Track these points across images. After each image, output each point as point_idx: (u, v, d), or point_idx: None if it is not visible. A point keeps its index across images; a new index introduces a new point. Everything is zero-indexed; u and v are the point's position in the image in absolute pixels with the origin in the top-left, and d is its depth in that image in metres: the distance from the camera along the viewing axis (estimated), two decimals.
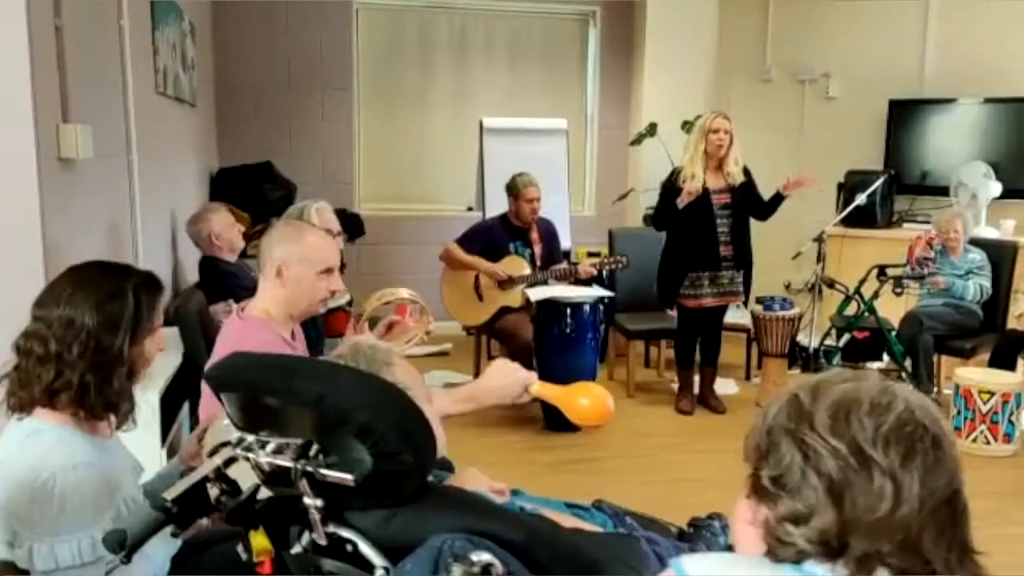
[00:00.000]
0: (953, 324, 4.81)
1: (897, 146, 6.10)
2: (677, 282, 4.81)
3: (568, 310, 4.44)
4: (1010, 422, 4.22)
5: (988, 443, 4.21)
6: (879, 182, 5.53)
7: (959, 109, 5.92)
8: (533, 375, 1.80)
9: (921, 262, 4.88)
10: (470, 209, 6.65)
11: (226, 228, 4.07)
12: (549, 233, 5.13)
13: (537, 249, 5.02)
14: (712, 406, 4.91)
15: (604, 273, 5.03)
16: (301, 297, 2.27)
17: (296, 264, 2.25)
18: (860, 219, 5.65)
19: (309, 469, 1.16)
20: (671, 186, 4.83)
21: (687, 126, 6.32)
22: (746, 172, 4.80)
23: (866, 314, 4.85)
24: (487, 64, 6.78)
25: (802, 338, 5.05)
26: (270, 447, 1.22)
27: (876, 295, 4.85)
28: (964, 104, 5.89)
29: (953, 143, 5.89)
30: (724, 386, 5.23)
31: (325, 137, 6.45)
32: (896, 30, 6.19)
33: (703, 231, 4.71)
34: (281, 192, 5.87)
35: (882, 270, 4.98)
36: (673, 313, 5.30)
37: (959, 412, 4.29)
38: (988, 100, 5.78)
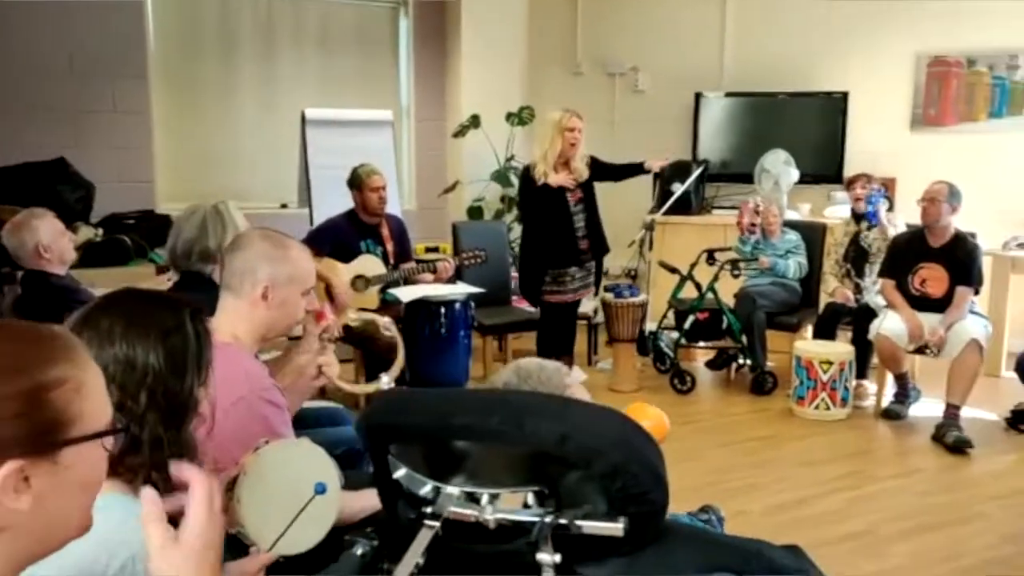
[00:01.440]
0: (780, 301, 5.23)
1: (703, 136, 6.51)
2: (539, 278, 4.88)
3: (441, 309, 4.30)
4: (845, 388, 4.65)
5: (828, 408, 4.61)
6: (697, 172, 5.88)
7: (758, 101, 6.42)
8: None
9: (750, 228, 5.22)
10: (284, 206, 6.27)
11: (56, 237, 3.51)
12: (399, 230, 4.93)
13: (389, 247, 4.81)
14: None
15: (461, 269, 4.92)
16: (283, 319, 2.03)
17: (285, 284, 2.00)
18: (677, 206, 5.95)
19: (563, 522, 1.00)
20: (528, 182, 4.87)
21: (512, 118, 6.36)
22: (592, 161, 4.92)
23: (708, 295, 5.12)
24: (297, 52, 6.39)
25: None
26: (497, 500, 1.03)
27: (716, 278, 5.15)
28: (762, 97, 6.39)
29: (754, 133, 6.39)
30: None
31: (120, 131, 5.76)
32: (697, 26, 6.60)
33: (561, 228, 4.80)
34: (80, 193, 5.19)
35: (711, 254, 5.29)
36: (522, 305, 5.33)
37: (801, 382, 4.66)
38: (784, 93, 6.32)
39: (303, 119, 5.66)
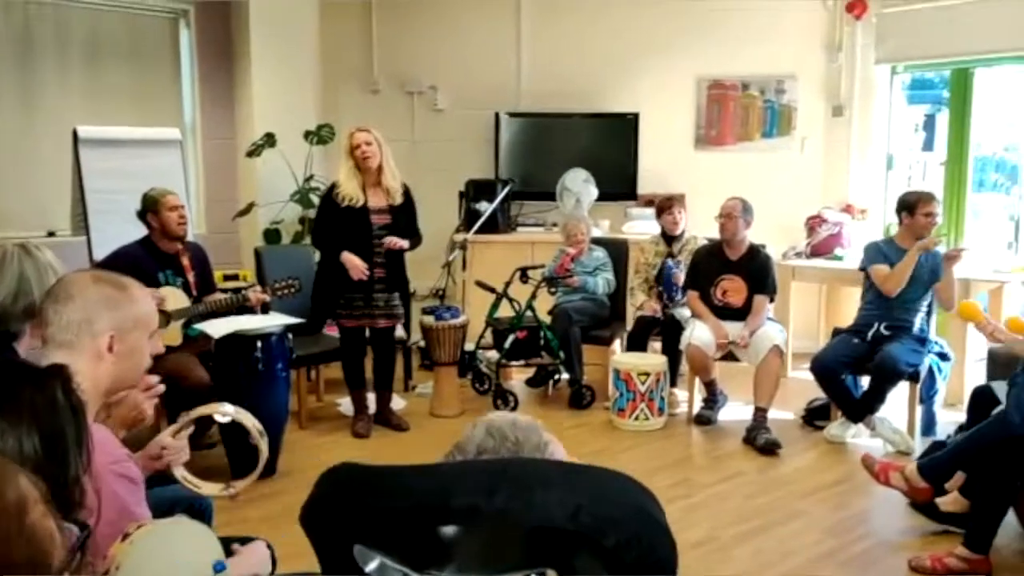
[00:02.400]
0: (593, 316, 5.35)
1: (504, 155, 6.56)
2: (332, 302, 4.65)
3: (257, 343, 3.98)
4: (661, 397, 4.83)
5: (647, 419, 4.76)
6: (505, 191, 5.91)
7: (555, 121, 6.57)
8: None
9: (566, 273, 5.31)
10: (51, 234, 5.61)
11: None
12: (201, 259, 4.53)
13: (191, 277, 4.40)
14: (395, 424, 4.81)
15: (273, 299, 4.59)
16: (133, 370, 1.77)
17: (131, 330, 1.73)
18: (484, 225, 5.96)
19: None
20: (329, 202, 4.64)
21: (310, 136, 6.09)
22: (406, 193, 4.72)
23: (527, 313, 5.14)
24: (61, 64, 5.73)
25: None
26: None
27: (534, 296, 5.17)
28: (559, 117, 6.54)
29: (553, 152, 6.52)
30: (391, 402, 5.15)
31: None
32: (493, 47, 6.65)
33: (358, 251, 4.56)
34: None
35: (524, 272, 5.32)
36: (330, 333, 5.08)
37: (621, 394, 4.78)
38: (579, 114, 6.50)
39: (75, 138, 5.08)
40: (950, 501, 3.39)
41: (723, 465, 4.28)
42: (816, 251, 6.00)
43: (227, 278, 5.40)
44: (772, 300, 4.90)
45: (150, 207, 4.29)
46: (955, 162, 6.00)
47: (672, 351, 5.04)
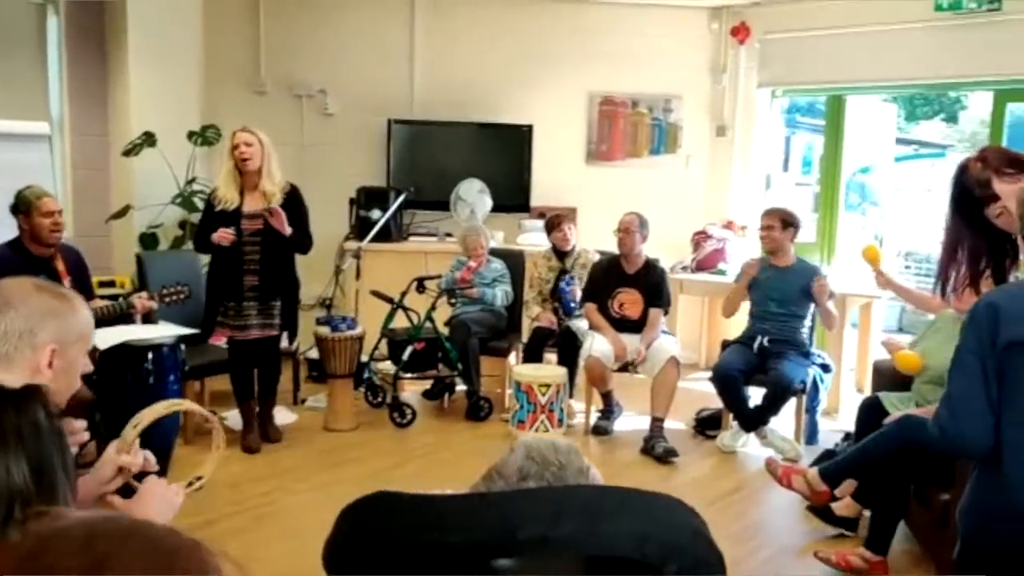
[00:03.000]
0: (491, 327, 5.32)
1: (398, 163, 6.45)
2: (215, 311, 4.46)
3: (149, 354, 3.73)
4: (560, 409, 4.85)
5: (548, 430, 4.77)
6: (400, 199, 5.80)
7: (449, 130, 6.51)
8: None
9: (466, 284, 5.27)
10: None
11: None
12: (77, 263, 4.23)
13: (66, 283, 4.08)
14: (270, 437, 4.64)
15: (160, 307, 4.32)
16: (68, 388, 1.64)
17: (73, 343, 1.60)
18: (377, 234, 5.82)
19: None
20: (208, 204, 4.47)
21: (195, 137, 5.81)
22: (291, 194, 4.56)
23: (427, 324, 5.06)
24: None
25: None
26: None
27: (434, 307, 5.10)
28: (453, 126, 6.49)
29: (447, 161, 6.47)
30: (281, 415, 4.95)
31: None
32: (386, 52, 6.54)
33: (229, 258, 4.39)
34: None
35: (421, 282, 5.25)
36: (216, 343, 4.85)
37: (522, 406, 4.77)
38: (474, 124, 6.47)
39: None
40: (844, 506, 3.56)
41: (625, 475, 4.33)
42: (701, 266, 6.20)
43: (102, 284, 5.05)
44: (666, 313, 5.02)
45: (23, 208, 3.96)
46: (828, 184, 6.35)
47: (569, 362, 5.08)
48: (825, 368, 4.83)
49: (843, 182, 6.31)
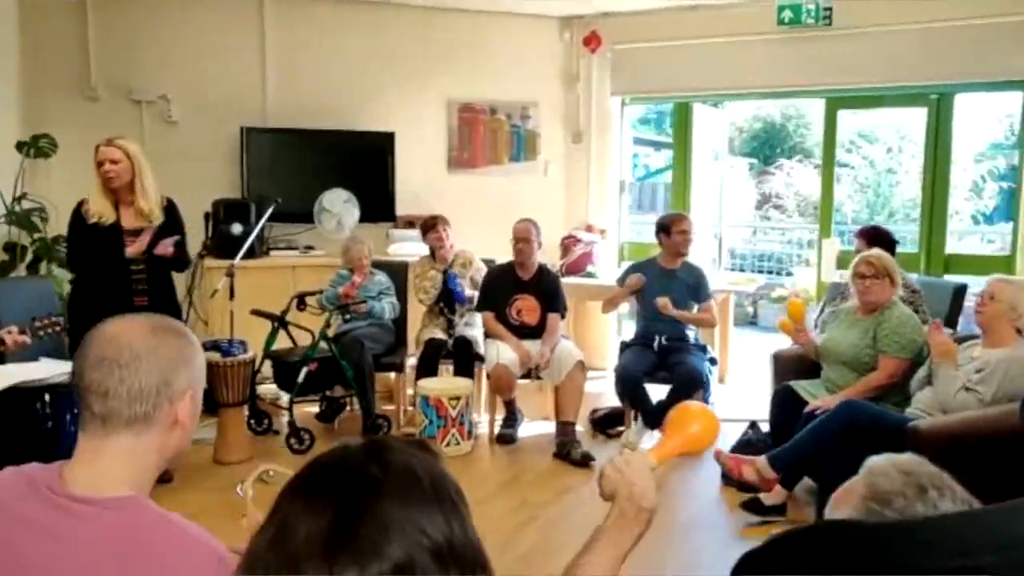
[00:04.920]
0: (383, 342, 5.13)
1: (254, 173, 6.05)
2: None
3: (46, 395, 3.26)
4: (470, 421, 4.77)
5: (458, 443, 4.67)
6: (269, 211, 5.44)
7: (308, 138, 6.19)
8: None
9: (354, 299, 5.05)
10: None
11: None
12: None
13: None
14: (160, 476, 4.20)
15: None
16: (190, 437, 1.39)
17: (200, 385, 1.38)
18: (236, 250, 5.42)
19: None
20: (77, 216, 4.05)
21: (26, 148, 5.17)
22: (169, 209, 4.23)
23: (321, 344, 4.79)
24: None
25: None
26: None
27: (328, 324, 4.84)
28: (312, 134, 6.18)
29: (308, 170, 6.16)
30: None
31: None
32: (235, 58, 6.13)
33: (114, 278, 4.02)
34: None
35: (301, 299, 4.98)
36: None
37: (431, 421, 4.64)
38: (334, 131, 6.20)
39: None
40: (772, 495, 3.75)
41: (550, 482, 4.33)
42: (570, 269, 6.33)
43: None
44: (563, 317, 5.07)
45: None
46: (679, 187, 6.70)
47: (467, 373, 5.01)
48: (712, 361, 5.08)
49: (694, 185, 6.68)
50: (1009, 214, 11.02)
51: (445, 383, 4.82)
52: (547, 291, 5.00)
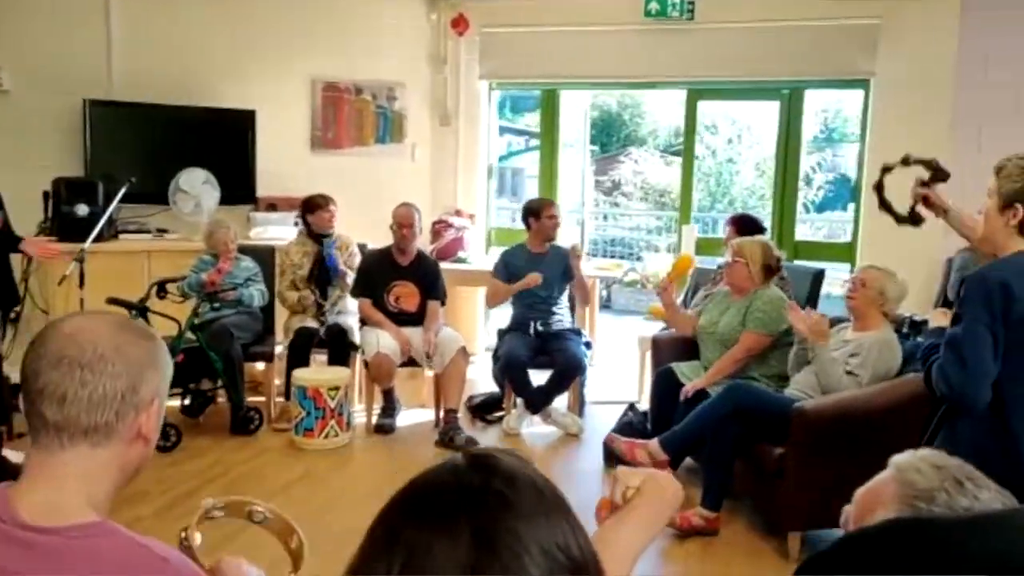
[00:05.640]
0: (252, 331, 4.88)
1: (98, 150, 5.58)
2: None
3: None
4: (349, 412, 4.62)
5: (337, 435, 4.51)
6: (123, 190, 5.03)
7: (161, 114, 5.76)
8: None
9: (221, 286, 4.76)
10: None
11: None
12: None
13: None
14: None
15: None
16: (148, 456, 1.23)
17: (165, 398, 1.25)
18: (83, 233, 4.98)
19: None
20: None
21: None
22: None
23: (188, 334, 4.49)
24: None
25: None
26: None
27: (196, 314, 4.54)
28: (165, 109, 5.76)
29: (161, 149, 5.75)
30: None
31: None
32: (76, 24, 5.62)
33: None
34: None
35: (162, 286, 4.65)
36: None
37: (308, 413, 4.45)
38: (190, 107, 5.80)
39: None
40: None
41: None
42: (441, 254, 6.24)
43: None
44: (443, 304, 5.00)
45: None
46: (546, 175, 6.76)
47: (342, 362, 4.86)
48: (588, 345, 5.17)
49: (560, 172, 6.76)
50: (836, 204, 11.91)
51: (323, 373, 4.64)
52: (427, 277, 4.91)
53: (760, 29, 5.87)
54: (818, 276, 4.84)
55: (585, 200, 7.36)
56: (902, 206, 2.88)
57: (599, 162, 12.99)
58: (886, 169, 2.84)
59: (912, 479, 1.10)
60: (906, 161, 2.75)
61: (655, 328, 5.21)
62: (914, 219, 2.75)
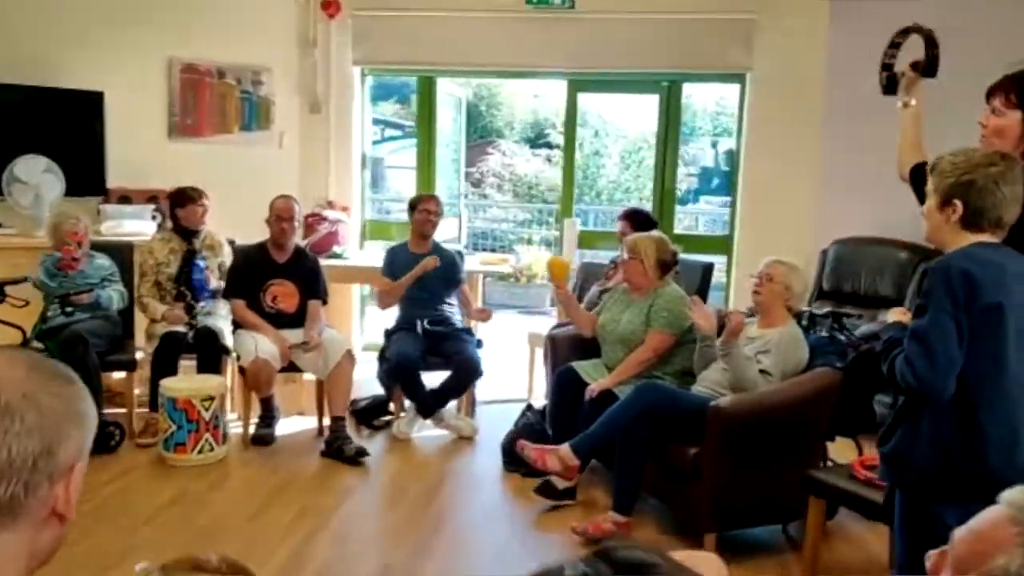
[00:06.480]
0: (110, 337, 4.40)
1: None
2: None
3: None
4: (224, 423, 4.23)
5: (212, 449, 4.12)
6: None
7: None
8: None
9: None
10: None
11: None
12: None
13: None
14: None
15: None
16: (63, 537, 0.95)
17: (87, 461, 0.94)
18: None
19: None
20: None
21: None
22: None
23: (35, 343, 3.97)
24: None
25: None
26: None
27: (44, 319, 4.04)
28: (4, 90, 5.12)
29: None
30: None
31: None
32: None
33: None
34: None
35: (1, 288, 4.13)
36: None
37: (179, 427, 4.04)
38: (23, 87, 5.17)
39: None
40: (564, 478, 3.69)
41: (328, 484, 3.96)
42: (315, 249, 5.85)
43: None
44: (325, 303, 4.68)
45: None
46: (424, 165, 6.50)
47: (213, 369, 4.45)
48: (479, 344, 4.97)
49: (439, 161, 6.52)
50: (697, 198, 12.23)
51: (195, 381, 4.23)
52: (306, 275, 4.58)
53: (640, 21, 5.84)
54: (708, 269, 4.84)
55: (461, 193, 7.15)
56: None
57: (466, 154, 12.81)
58: (896, 42, 2.80)
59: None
60: (918, 30, 2.71)
61: (547, 325, 5.07)
62: (891, 85, 2.73)
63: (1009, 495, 1.02)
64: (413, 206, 4.86)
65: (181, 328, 4.49)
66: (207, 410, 4.07)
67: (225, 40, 5.90)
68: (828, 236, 5.52)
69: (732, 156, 6.69)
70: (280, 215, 4.45)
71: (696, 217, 11.23)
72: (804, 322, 3.69)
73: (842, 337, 3.61)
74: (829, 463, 3.45)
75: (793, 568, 3.21)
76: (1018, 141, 2.25)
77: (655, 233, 4.19)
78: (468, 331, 4.83)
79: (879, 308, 4.98)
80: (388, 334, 4.79)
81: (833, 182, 5.66)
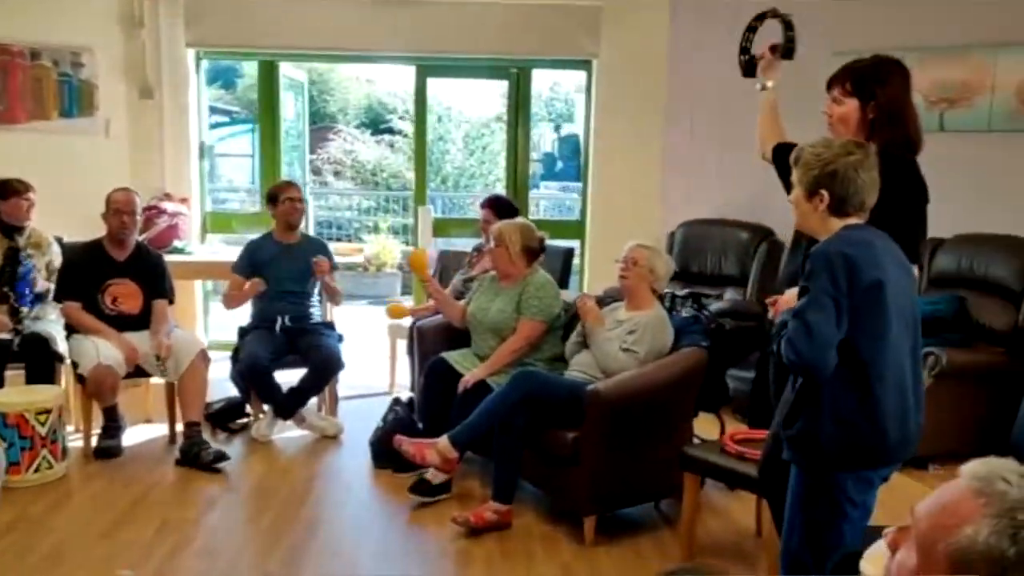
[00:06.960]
0: None
1: None
2: None
3: None
4: (63, 436, 3.87)
5: (51, 467, 3.76)
6: None
7: None
8: None
9: None
10: None
11: None
12: None
13: None
14: None
15: None
16: None
17: None
18: None
19: None
20: None
21: None
22: None
23: None
24: None
25: None
26: None
27: None
28: None
29: None
30: None
31: None
32: None
33: None
34: None
35: None
36: None
37: (11, 445, 3.66)
38: None
39: None
40: (435, 474, 3.63)
41: (186, 494, 3.71)
42: (154, 245, 5.47)
43: None
44: (172, 302, 4.37)
45: None
46: (269, 153, 6.21)
47: (46, 378, 4.07)
48: (340, 339, 4.81)
49: (282, 146, 6.25)
50: (538, 183, 12.38)
51: (27, 394, 3.83)
52: (149, 273, 4.26)
53: (489, 5, 5.81)
54: (568, 254, 4.89)
55: (306, 181, 6.89)
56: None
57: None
58: (753, 26, 2.90)
59: (1002, 490, 1.00)
60: (775, 15, 2.81)
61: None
62: (750, 68, 2.84)
63: (969, 468, 1.05)
64: (274, 197, 4.63)
65: (5, 335, 4.08)
66: (43, 424, 3.71)
67: (38, 18, 5.40)
68: (675, 219, 5.72)
69: (574, 141, 6.80)
70: (120, 208, 4.12)
71: (538, 203, 11.37)
72: (667, 303, 3.80)
73: (703, 316, 3.75)
74: (696, 439, 3.56)
75: (670, 543, 3.29)
76: (858, 126, 2.40)
77: (520, 220, 4.18)
78: (329, 325, 4.66)
79: (726, 287, 5.22)
80: (242, 333, 4.55)
81: (677, 167, 5.86)
